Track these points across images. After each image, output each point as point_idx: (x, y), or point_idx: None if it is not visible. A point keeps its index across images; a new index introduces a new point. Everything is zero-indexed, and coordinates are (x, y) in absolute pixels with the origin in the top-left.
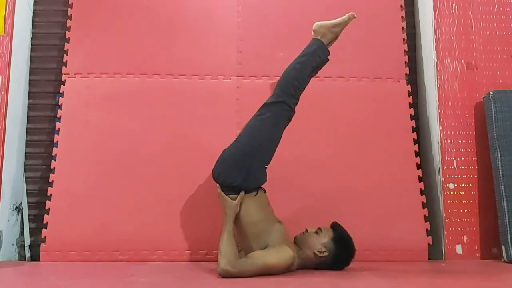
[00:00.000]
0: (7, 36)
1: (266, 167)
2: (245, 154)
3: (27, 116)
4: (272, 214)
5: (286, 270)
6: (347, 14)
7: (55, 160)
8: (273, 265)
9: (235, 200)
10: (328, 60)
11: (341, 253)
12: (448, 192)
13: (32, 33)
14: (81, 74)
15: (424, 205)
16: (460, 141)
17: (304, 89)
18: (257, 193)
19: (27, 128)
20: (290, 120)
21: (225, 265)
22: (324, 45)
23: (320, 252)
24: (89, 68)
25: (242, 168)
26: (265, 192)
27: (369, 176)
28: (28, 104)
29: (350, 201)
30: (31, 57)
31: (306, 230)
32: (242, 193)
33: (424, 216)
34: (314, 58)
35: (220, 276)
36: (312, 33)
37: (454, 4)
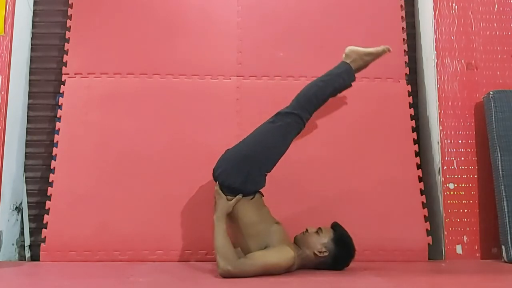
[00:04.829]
0: (7, 36)
1: (266, 174)
2: (248, 156)
3: (27, 116)
4: (269, 215)
5: (286, 270)
6: (382, 46)
7: (55, 160)
8: (274, 265)
9: (230, 200)
10: (351, 85)
11: (341, 253)
12: (448, 192)
13: (32, 33)
14: (81, 74)
15: (424, 205)
16: (460, 141)
17: (320, 106)
18: (253, 197)
19: (27, 128)
20: (299, 133)
21: (225, 265)
22: (351, 70)
23: (320, 252)
24: (89, 68)
25: (243, 171)
26: (262, 195)
27: (369, 176)
28: (28, 104)
29: (350, 201)
30: (31, 57)
31: (307, 230)
32: (240, 195)
33: (424, 216)
34: (338, 80)
35: (221, 276)
36: (343, 55)
37: (454, 4)
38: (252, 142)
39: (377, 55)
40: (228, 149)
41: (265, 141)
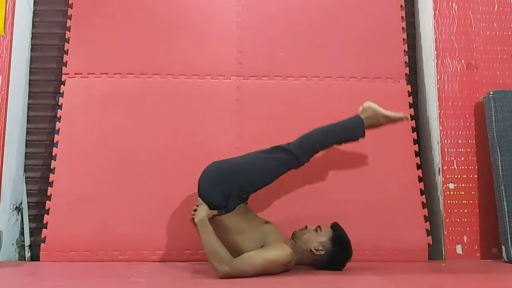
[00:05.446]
0: (7, 36)
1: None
2: (232, 175)
3: (27, 116)
4: (257, 217)
5: (284, 268)
6: (400, 114)
7: (55, 160)
8: (272, 262)
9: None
10: (358, 140)
11: (338, 254)
12: (448, 192)
13: (32, 33)
14: (81, 74)
15: (424, 205)
16: (460, 141)
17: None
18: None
19: (27, 128)
20: (288, 170)
21: (222, 267)
22: (363, 127)
23: (316, 250)
24: (89, 68)
25: (224, 189)
26: (246, 203)
27: (369, 176)
28: (28, 104)
29: (350, 200)
30: (31, 57)
31: (306, 227)
32: (223, 211)
33: (424, 216)
34: (347, 133)
35: (220, 278)
36: (360, 108)
37: (454, 4)
38: (240, 163)
39: (393, 120)
40: (213, 162)
41: (254, 165)
